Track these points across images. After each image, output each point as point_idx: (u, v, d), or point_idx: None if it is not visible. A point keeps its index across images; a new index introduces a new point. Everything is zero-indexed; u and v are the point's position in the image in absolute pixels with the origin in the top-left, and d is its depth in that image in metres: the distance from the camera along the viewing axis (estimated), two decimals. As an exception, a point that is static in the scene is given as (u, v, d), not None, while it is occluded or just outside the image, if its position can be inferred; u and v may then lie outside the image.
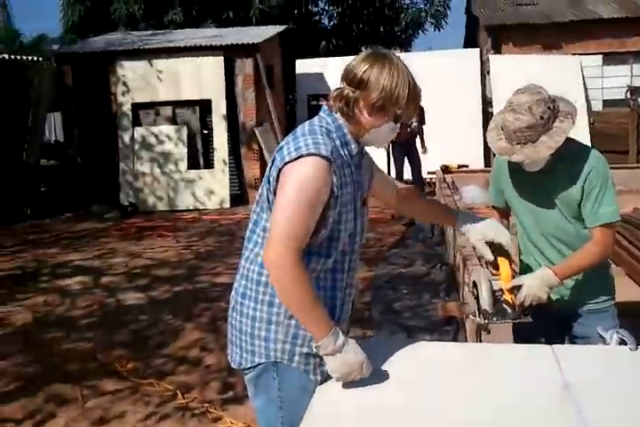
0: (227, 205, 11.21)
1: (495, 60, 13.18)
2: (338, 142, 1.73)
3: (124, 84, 11.58)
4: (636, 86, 13.76)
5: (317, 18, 19.56)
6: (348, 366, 1.65)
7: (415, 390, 1.70)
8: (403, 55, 1.88)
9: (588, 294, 2.38)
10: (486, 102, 12.84)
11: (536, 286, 2.16)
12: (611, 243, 2.30)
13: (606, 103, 14.08)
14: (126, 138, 11.52)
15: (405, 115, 1.77)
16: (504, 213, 2.56)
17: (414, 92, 1.73)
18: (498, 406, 1.59)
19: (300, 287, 1.64)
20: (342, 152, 1.74)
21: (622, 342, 2.00)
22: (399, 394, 1.68)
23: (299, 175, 1.65)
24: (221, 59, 11.41)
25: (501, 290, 2.15)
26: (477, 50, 13.69)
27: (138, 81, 11.54)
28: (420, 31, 19.63)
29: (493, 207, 2.59)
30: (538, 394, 1.66)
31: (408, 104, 1.72)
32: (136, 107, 11.58)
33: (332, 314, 1.76)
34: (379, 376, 1.73)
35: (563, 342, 2.39)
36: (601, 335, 2.16)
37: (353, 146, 1.77)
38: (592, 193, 2.20)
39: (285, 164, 1.67)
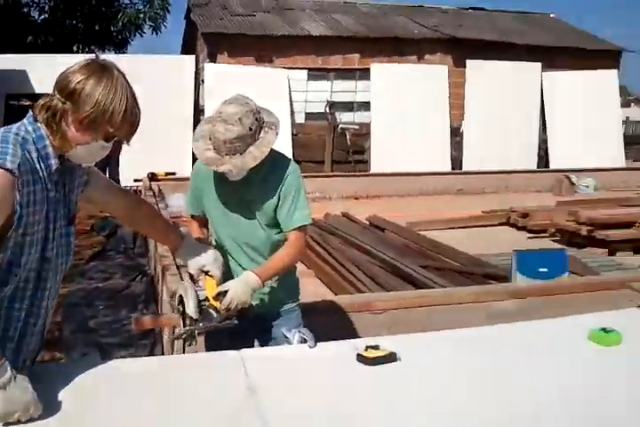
0: None
1: (210, 69, 13.38)
2: (35, 155, 1.56)
3: None
4: (334, 101, 15.17)
5: (26, 10, 17.94)
6: (10, 406, 1.48)
7: (91, 416, 1.61)
8: (114, 57, 1.77)
9: (277, 297, 2.49)
10: (199, 110, 13.02)
11: (241, 289, 2.20)
12: (304, 244, 2.44)
13: (308, 116, 15.24)
14: None
15: (119, 134, 1.64)
16: (202, 221, 2.57)
17: (131, 112, 1.61)
18: (172, 423, 1.59)
19: None
20: (38, 166, 1.56)
21: (303, 341, 2.13)
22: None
23: None
24: None
25: (207, 299, 2.18)
26: (193, 57, 13.80)
27: None
28: (137, 33, 19.12)
29: (192, 217, 2.59)
30: (219, 402, 1.68)
31: (123, 123, 1.60)
32: None
33: (2, 346, 1.58)
34: (53, 405, 1.61)
35: (253, 346, 2.48)
36: (285, 336, 2.28)
37: (53, 161, 1.60)
38: (287, 199, 2.32)
39: None
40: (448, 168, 13.03)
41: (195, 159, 2.40)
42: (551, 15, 21.87)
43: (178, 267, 3.90)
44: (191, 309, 2.10)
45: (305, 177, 2.44)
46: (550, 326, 2.34)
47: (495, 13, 20.58)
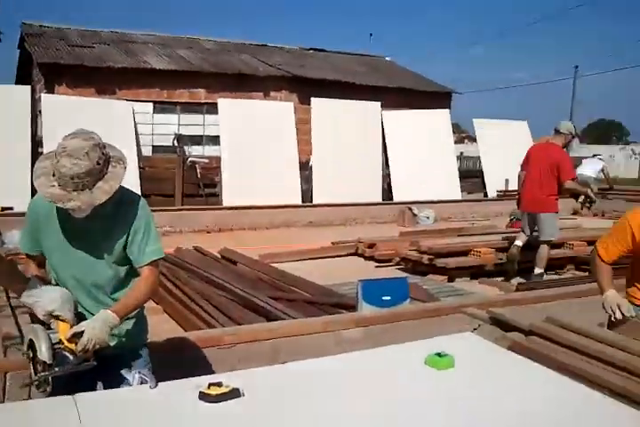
0: None
1: (47, 100, 12.82)
2: None
3: None
4: (181, 134, 15.08)
5: None
6: None
7: None
8: None
9: (127, 336, 2.40)
10: (36, 142, 12.34)
11: (98, 327, 2.11)
12: (157, 279, 2.40)
13: (156, 149, 15.05)
14: None
15: None
16: (40, 260, 2.41)
17: None
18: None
19: None
20: None
21: (144, 382, 2.08)
22: None
23: None
24: None
25: (61, 341, 2.06)
26: (27, 87, 13.11)
27: None
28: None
29: (28, 256, 2.42)
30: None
31: None
32: None
33: None
34: None
35: (95, 389, 2.33)
36: (125, 377, 2.23)
37: None
38: (137, 234, 2.28)
39: None
40: (298, 201, 13.26)
41: (35, 193, 2.25)
42: (386, 58, 23.48)
43: (12, 308, 3.65)
44: (44, 353, 2.00)
45: (154, 211, 2.41)
46: (391, 352, 2.43)
47: (335, 55, 21.68)
